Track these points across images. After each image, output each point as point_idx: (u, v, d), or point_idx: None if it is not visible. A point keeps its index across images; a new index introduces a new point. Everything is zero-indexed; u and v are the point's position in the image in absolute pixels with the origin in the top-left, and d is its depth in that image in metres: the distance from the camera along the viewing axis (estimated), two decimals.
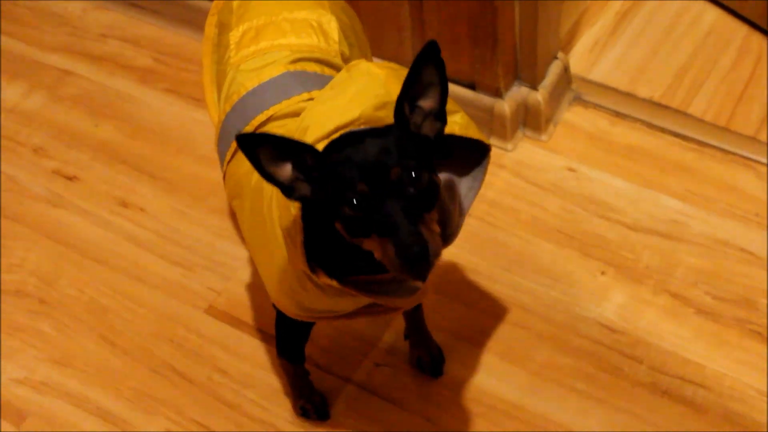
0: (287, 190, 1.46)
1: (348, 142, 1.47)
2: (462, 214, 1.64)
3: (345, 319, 1.75)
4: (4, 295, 2.32)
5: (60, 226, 2.43)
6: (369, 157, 1.43)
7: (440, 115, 1.50)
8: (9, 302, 2.30)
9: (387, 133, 1.47)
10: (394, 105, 1.49)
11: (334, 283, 1.55)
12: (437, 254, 1.42)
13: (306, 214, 1.51)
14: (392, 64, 1.60)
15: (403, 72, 1.55)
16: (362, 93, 1.52)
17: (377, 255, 1.44)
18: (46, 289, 2.32)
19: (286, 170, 1.46)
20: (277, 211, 1.58)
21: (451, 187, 1.65)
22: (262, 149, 1.42)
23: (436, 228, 1.46)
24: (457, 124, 1.57)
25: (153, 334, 2.22)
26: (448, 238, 1.63)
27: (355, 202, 1.42)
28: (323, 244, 1.54)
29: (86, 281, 2.32)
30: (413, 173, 1.43)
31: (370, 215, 1.42)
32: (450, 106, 1.57)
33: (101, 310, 2.27)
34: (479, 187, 1.64)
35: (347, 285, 1.57)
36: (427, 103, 1.49)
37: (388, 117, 1.50)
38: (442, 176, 1.62)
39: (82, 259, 2.36)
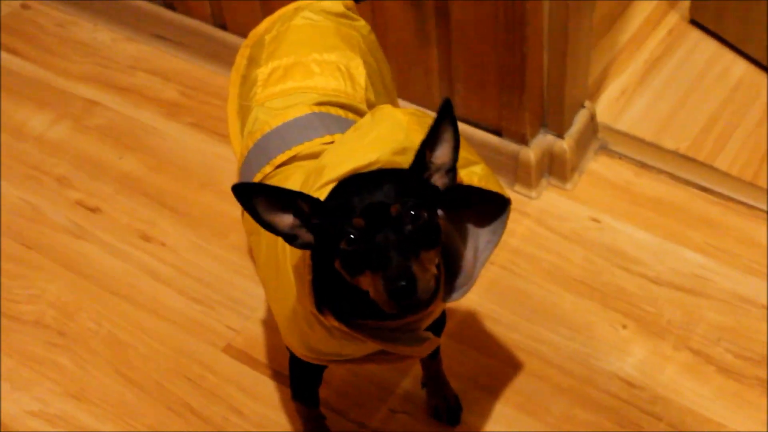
0: (289, 238, 1.47)
1: (354, 182, 1.48)
2: (479, 266, 1.63)
3: (354, 364, 1.74)
4: (23, 325, 2.32)
5: (81, 257, 2.43)
6: (369, 194, 1.45)
7: (451, 171, 1.51)
8: (27, 333, 2.30)
9: (395, 175, 1.48)
10: (412, 151, 1.50)
11: (341, 326, 1.55)
12: (427, 292, 1.43)
13: (315, 255, 1.51)
14: (416, 110, 1.60)
15: (427, 119, 1.56)
16: (383, 137, 1.52)
17: (371, 293, 1.45)
18: (65, 321, 2.32)
19: (287, 219, 1.47)
20: (288, 249, 1.58)
21: (464, 233, 1.64)
22: (259, 199, 1.44)
23: (432, 268, 1.46)
24: (476, 175, 1.57)
25: (170, 371, 2.21)
26: (460, 287, 1.62)
27: (351, 236, 1.43)
28: (332, 286, 1.53)
29: (105, 315, 2.32)
30: (412, 211, 1.44)
31: (365, 249, 1.43)
32: (471, 156, 1.57)
33: (119, 344, 2.27)
34: (498, 241, 1.63)
35: (354, 329, 1.57)
36: (440, 157, 1.50)
37: (406, 162, 1.50)
38: (462, 228, 1.62)
39: (102, 292, 2.36)
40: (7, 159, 2.65)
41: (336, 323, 1.55)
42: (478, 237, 1.64)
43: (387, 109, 1.58)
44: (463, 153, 1.56)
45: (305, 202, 1.46)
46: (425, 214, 1.45)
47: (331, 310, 1.56)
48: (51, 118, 2.74)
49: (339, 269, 1.48)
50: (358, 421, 2.10)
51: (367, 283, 1.45)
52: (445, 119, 1.48)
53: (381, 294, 1.42)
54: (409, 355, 1.69)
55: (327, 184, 1.50)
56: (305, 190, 1.51)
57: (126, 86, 2.81)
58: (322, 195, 1.49)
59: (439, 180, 1.51)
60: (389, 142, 1.51)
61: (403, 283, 1.40)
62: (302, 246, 1.48)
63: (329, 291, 1.54)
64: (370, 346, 1.63)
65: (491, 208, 1.63)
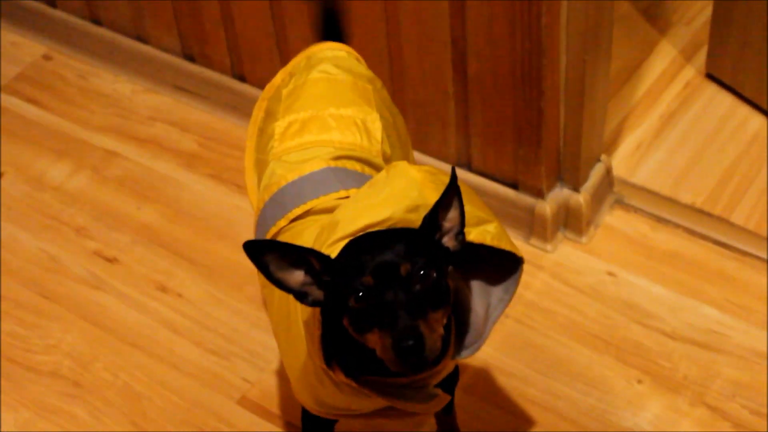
0: (299, 295, 1.49)
1: (365, 240, 1.49)
2: (490, 323, 1.64)
3: (365, 419, 1.74)
4: (39, 376, 2.32)
5: (98, 308, 2.44)
6: (380, 253, 1.46)
7: (460, 234, 1.52)
8: (44, 383, 2.31)
9: (406, 234, 1.50)
10: (425, 208, 1.51)
11: (350, 381, 1.55)
12: (434, 351, 1.43)
13: (325, 311, 1.52)
14: (431, 168, 1.61)
15: (442, 176, 1.57)
16: (396, 194, 1.54)
17: (378, 351, 1.45)
18: (81, 371, 2.33)
19: (298, 276, 1.48)
20: (299, 304, 1.59)
21: (476, 291, 1.64)
22: (270, 256, 1.45)
23: (439, 329, 1.46)
24: (489, 233, 1.57)
25: (185, 423, 2.22)
26: (470, 344, 1.62)
27: (360, 294, 1.44)
28: (341, 342, 1.54)
29: (121, 366, 2.33)
30: (421, 270, 1.45)
31: (374, 307, 1.44)
32: (484, 214, 1.58)
33: (135, 396, 2.27)
34: (510, 300, 1.64)
35: (363, 385, 1.57)
36: (451, 220, 1.52)
37: (418, 220, 1.52)
38: (472, 284, 1.63)
39: (118, 342, 2.37)
40: (26, 209, 2.67)
41: (345, 379, 1.55)
42: (490, 295, 1.64)
43: (402, 166, 1.59)
44: (477, 211, 1.57)
45: (316, 259, 1.47)
46: (434, 274, 1.46)
47: (340, 366, 1.56)
48: (70, 169, 2.76)
49: (347, 326, 1.48)
50: None
51: (374, 341, 1.46)
52: (452, 187, 1.49)
53: (388, 352, 1.43)
54: (418, 411, 1.69)
55: (340, 240, 1.51)
56: (318, 246, 1.52)
57: (145, 137, 2.83)
58: (334, 251, 1.50)
59: (449, 242, 1.52)
60: (403, 200, 1.52)
61: (411, 342, 1.40)
62: (313, 303, 1.49)
63: (338, 347, 1.55)
64: (379, 402, 1.63)
65: (504, 266, 1.64)
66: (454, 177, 1.50)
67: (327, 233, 1.54)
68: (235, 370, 2.29)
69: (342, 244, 1.50)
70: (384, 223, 1.51)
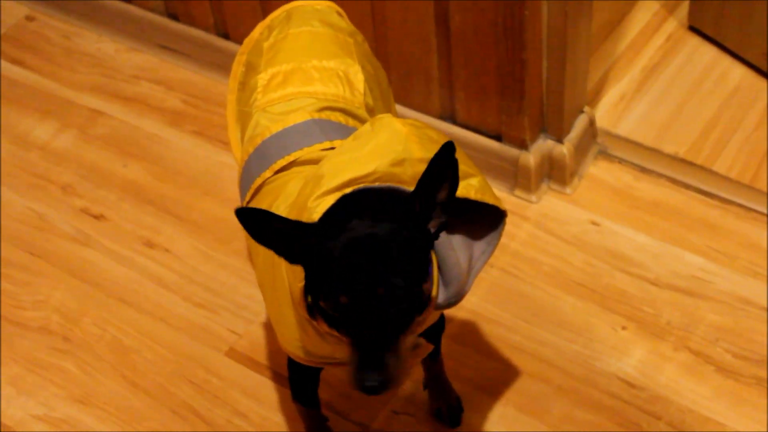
0: (286, 256, 1.50)
1: (349, 214, 1.48)
2: (473, 275, 1.65)
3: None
4: (28, 331, 2.34)
5: (85, 264, 2.45)
6: (358, 264, 1.45)
7: (445, 206, 1.51)
8: (33, 339, 2.32)
9: (390, 227, 1.47)
10: (410, 162, 1.52)
11: (333, 331, 1.56)
12: (396, 382, 1.46)
13: None
14: (416, 121, 1.61)
15: (427, 130, 1.59)
16: (381, 148, 1.54)
17: (346, 350, 1.48)
18: (70, 327, 2.34)
19: (285, 243, 1.49)
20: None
21: (459, 243, 1.65)
22: (261, 224, 1.46)
23: (405, 354, 1.48)
24: (473, 187, 1.58)
25: (174, 375, 2.23)
26: (453, 296, 1.63)
27: (333, 307, 1.46)
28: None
29: (109, 320, 2.34)
30: (399, 294, 1.45)
31: (345, 321, 1.47)
32: (468, 168, 1.59)
33: (124, 349, 2.29)
34: (492, 252, 1.65)
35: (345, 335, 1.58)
36: (439, 196, 1.50)
37: (403, 173, 1.53)
38: (455, 237, 1.64)
39: (107, 298, 2.38)
40: (12, 168, 2.67)
41: (327, 329, 1.56)
42: (473, 247, 1.65)
43: (387, 119, 1.59)
44: (462, 165, 1.57)
45: (302, 237, 1.47)
46: (413, 292, 1.47)
47: (322, 316, 1.57)
48: (56, 128, 2.77)
49: (322, 307, 1.50)
50: (360, 422, 2.12)
51: (344, 340, 1.49)
52: (444, 161, 1.46)
53: (350, 374, 1.46)
54: None
55: (325, 194, 1.51)
56: (302, 199, 1.53)
57: (130, 96, 2.83)
58: (319, 206, 1.50)
59: (433, 222, 1.52)
60: (388, 153, 1.53)
61: (374, 384, 1.44)
62: (295, 263, 1.51)
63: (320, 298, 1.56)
64: None
65: (487, 219, 1.65)
66: (451, 150, 1.45)
67: (312, 186, 1.54)
68: (222, 322, 2.31)
69: (327, 199, 1.50)
70: (369, 177, 1.52)
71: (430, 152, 1.55)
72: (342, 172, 1.52)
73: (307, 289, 1.52)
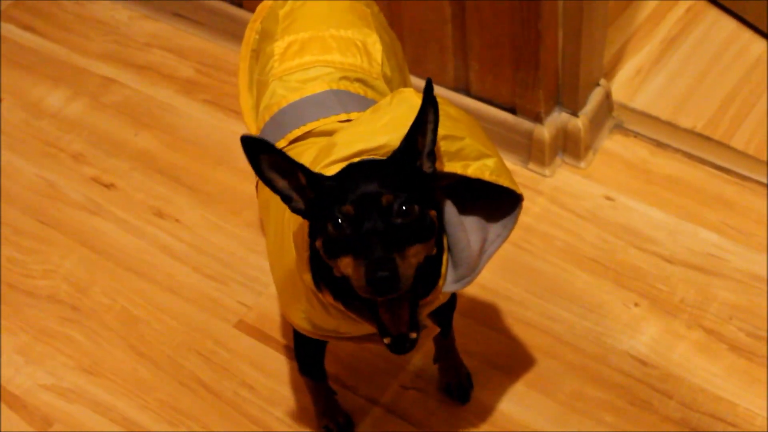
0: (286, 198, 1.49)
1: (355, 169, 1.48)
2: (485, 258, 1.62)
3: (354, 342, 1.73)
4: (37, 300, 2.33)
5: (95, 233, 2.44)
6: (363, 183, 1.45)
7: (431, 154, 1.50)
8: (41, 308, 2.32)
9: (389, 164, 1.49)
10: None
11: (338, 304, 1.55)
12: (407, 283, 1.42)
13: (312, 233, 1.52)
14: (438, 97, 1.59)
15: (446, 106, 1.57)
16: (396, 121, 1.52)
17: (351, 278, 1.45)
18: (79, 296, 2.33)
19: (285, 182, 1.48)
20: (288, 216, 1.59)
21: (473, 225, 1.62)
22: (264, 157, 1.44)
23: (415, 262, 1.45)
24: (488, 168, 1.56)
25: (182, 346, 2.22)
26: (463, 278, 1.61)
27: (339, 221, 1.44)
28: (327, 266, 1.53)
29: (119, 290, 2.33)
30: (404, 206, 1.44)
31: (351, 236, 1.44)
32: (484, 148, 1.57)
33: (132, 319, 2.28)
34: (507, 236, 1.63)
35: (350, 309, 1.56)
36: (425, 140, 1.50)
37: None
38: (470, 219, 1.62)
39: (116, 267, 2.37)
40: (23, 136, 2.66)
41: (333, 301, 1.55)
42: (487, 230, 1.63)
43: (407, 93, 1.57)
44: (477, 144, 1.56)
45: (303, 174, 1.47)
46: (416, 209, 1.45)
47: (329, 288, 1.56)
48: (67, 96, 2.75)
49: (319, 249, 1.48)
50: (369, 396, 2.11)
51: (346, 266, 1.45)
52: (427, 101, 1.46)
53: (360, 280, 1.42)
54: None
55: (333, 163, 1.50)
56: (313, 166, 1.51)
57: (142, 64, 2.81)
58: (326, 173, 1.49)
59: (425, 164, 1.51)
60: (401, 128, 1.51)
61: (385, 273, 1.40)
62: (296, 210, 1.49)
63: (326, 270, 1.54)
64: (367, 328, 1.63)
65: (505, 202, 1.63)
66: (430, 87, 1.46)
67: (323, 155, 1.53)
68: (232, 294, 2.30)
69: (335, 167, 1.50)
70: (379, 150, 1.50)
71: (449, 130, 1.53)
72: (353, 143, 1.51)
73: (311, 236, 1.50)
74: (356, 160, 1.50)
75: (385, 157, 1.51)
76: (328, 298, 1.55)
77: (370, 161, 1.49)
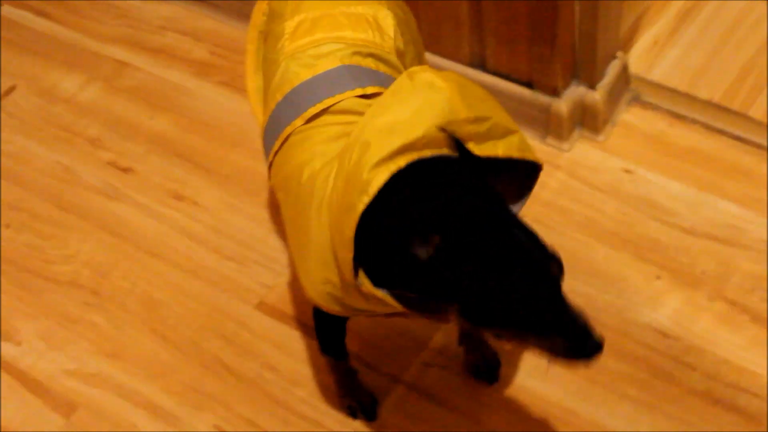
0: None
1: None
2: None
3: (381, 317, 1.73)
4: (58, 286, 2.33)
5: (114, 217, 2.44)
6: (538, 259, 1.50)
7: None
8: (62, 293, 2.32)
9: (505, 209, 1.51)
10: (456, 125, 1.50)
11: (384, 295, 1.52)
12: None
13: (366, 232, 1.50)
14: (455, 76, 1.57)
15: (471, 87, 1.55)
16: (426, 108, 1.51)
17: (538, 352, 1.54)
18: (100, 280, 2.33)
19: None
20: (328, 215, 1.57)
21: None
22: None
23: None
24: (515, 146, 1.56)
25: (204, 329, 2.22)
26: None
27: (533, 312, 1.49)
28: (371, 254, 1.51)
29: (139, 274, 2.33)
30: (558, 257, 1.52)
31: (547, 313, 1.49)
32: (509, 124, 1.57)
33: (153, 303, 2.28)
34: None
35: (396, 299, 1.53)
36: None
37: (448, 136, 1.50)
38: None
39: (136, 251, 2.37)
40: (39, 121, 2.66)
41: (375, 291, 1.52)
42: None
43: (426, 74, 1.55)
44: (503, 122, 1.55)
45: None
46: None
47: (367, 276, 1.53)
48: (82, 80, 2.75)
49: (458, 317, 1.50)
50: (391, 374, 2.11)
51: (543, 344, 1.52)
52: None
53: (560, 349, 1.54)
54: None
55: (378, 164, 1.47)
56: (352, 166, 1.49)
57: (156, 47, 2.81)
58: (375, 178, 1.46)
59: None
60: (433, 116, 1.50)
61: (599, 340, 1.52)
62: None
63: (368, 261, 1.52)
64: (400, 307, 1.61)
65: (520, 173, 1.63)
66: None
67: (359, 153, 1.49)
68: (252, 275, 2.30)
69: (382, 170, 1.46)
70: (418, 143, 1.48)
71: (477, 111, 1.52)
72: (390, 138, 1.48)
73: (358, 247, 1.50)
74: (401, 161, 1.47)
75: (424, 155, 1.49)
76: (369, 288, 1.52)
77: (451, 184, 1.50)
